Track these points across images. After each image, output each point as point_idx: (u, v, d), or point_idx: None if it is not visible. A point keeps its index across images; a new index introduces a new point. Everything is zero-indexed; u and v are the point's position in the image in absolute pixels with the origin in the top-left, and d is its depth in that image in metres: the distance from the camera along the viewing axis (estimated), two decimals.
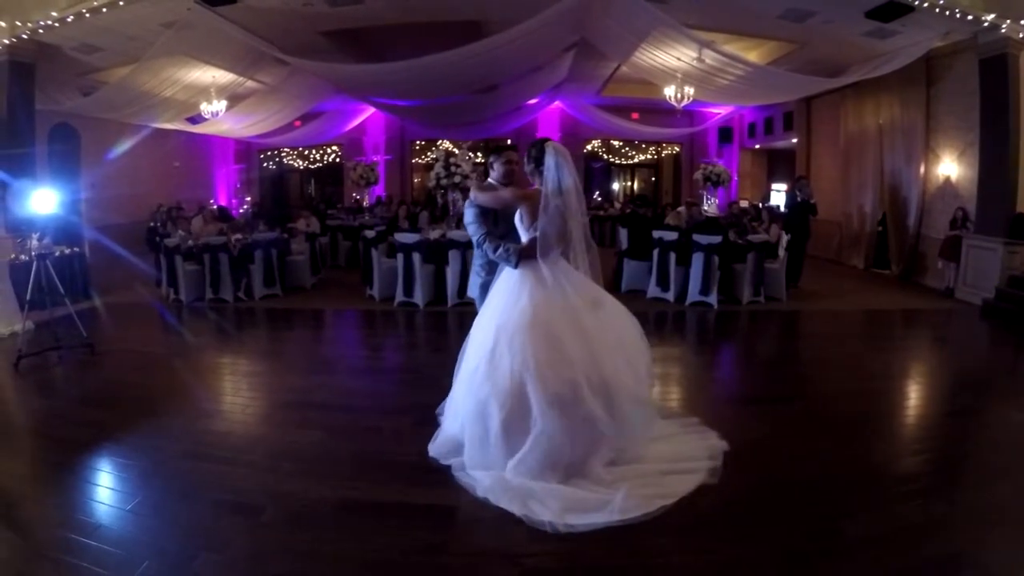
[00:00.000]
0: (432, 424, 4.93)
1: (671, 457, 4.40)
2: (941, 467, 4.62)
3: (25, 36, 10.30)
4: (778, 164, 20.87)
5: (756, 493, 4.14)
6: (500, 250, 4.48)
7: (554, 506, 3.78)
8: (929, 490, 4.24)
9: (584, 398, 4.06)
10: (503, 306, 4.40)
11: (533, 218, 4.34)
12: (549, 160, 4.29)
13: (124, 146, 15.55)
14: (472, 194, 4.82)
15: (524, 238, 4.43)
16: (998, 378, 7.22)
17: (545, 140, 4.47)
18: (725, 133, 21.57)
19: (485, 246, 4.63)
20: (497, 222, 4.68)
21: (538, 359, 4.07)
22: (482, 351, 4.35)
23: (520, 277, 4.38)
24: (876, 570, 3.39)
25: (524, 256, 4.37)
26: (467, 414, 4.42)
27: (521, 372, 4.09)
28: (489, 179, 4.95)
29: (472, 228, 4.74)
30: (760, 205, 16.61)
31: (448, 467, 4.42)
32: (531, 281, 4.32)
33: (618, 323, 4.52)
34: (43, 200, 7.48)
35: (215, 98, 13.73)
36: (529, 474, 4.01)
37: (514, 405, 4.10)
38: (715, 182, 16.23)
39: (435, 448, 4.68)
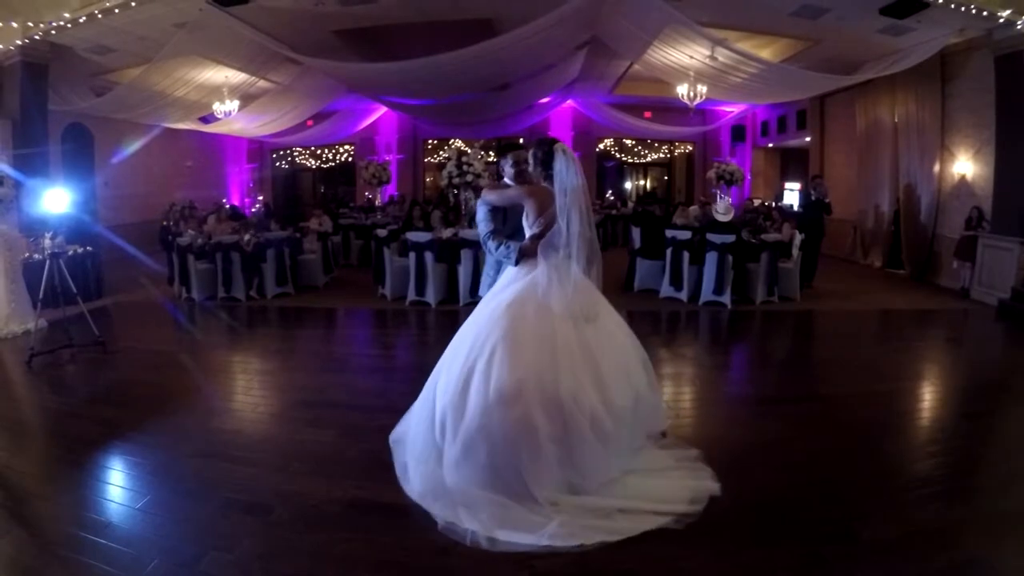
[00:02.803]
0: None
1: (641, 495, 3.94)
2: (956, 470, 4.56)
3: (38, 37, 10.37)
4: (791, 163, 20.76)
5: (769, 495, 4.10)
6: (502, 247, 4.49)
7: (485, 517, 3.67)
8: (944, 493, 4.18)
9: (527, 401, 3.86)
10: (489, 297, 4.42)
11: (537, 215, 4.32)
12: (559, 164, 4.23)
13: (134, 146, 15.62)
14: (483, 192, 4.82)
15: (528, 235, 4.41)
16: (1014, 380, 7.12)
17: (552, 141, 4.41)
18: (738, 132, 21.45)
19: (489, 243, 4.63)
20: (506, 220, 4.66)
21: (494, 350, 3.97)
22: (455, 337, 4.38)
23: (515, 275, 4.36)
24: (891, 575, 3.35)
25: (524, 254, 4.34)
26: (421, 396, 4.44)
27: (475, 360, 4.01)
28: (504, 179, 4.93)
29: (481, 226, 4.74)
30: (773, 204, 16.52)
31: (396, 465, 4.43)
32: (522, 278, 4.28)
33: (608, 347, 4.27)
34: (56, 199, 7.52)
35: (227, 98, 13.78)
36: (470, 481, 3.89)
37: (458, 393, 4.01)
38: (728, 181, 16.12)
39: (395, 434, 4.71)
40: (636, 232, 11.95)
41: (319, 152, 22.67)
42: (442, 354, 4.45)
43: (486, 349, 4.00)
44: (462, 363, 4.08)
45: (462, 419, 3.96)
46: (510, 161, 4.75)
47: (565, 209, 4.19)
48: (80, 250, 10.46)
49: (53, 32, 10.31)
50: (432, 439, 4.18)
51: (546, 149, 4.35)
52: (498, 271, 4.69)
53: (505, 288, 4.34)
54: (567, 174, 4.20)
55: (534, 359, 3.96)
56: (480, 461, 3.89)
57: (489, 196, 4.69)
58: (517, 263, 4.37)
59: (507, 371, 3.90)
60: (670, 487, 4.08)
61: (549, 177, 4.30)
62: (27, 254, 9.33)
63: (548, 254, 4.24)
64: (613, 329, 4.44)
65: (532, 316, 4.10)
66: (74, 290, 7.70)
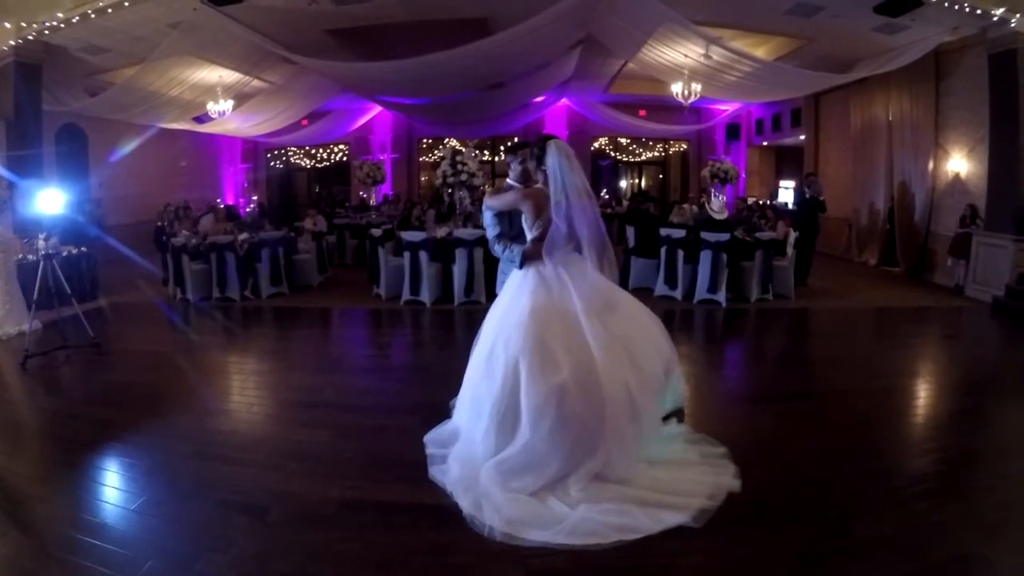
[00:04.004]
0: (438, 421, 4.91)
1: (663, 488, 3.96)
2: (952, 467, 4.56)
3: (31, 37, 10.32)
4: (786, 161, 20.79)
5: (765, 492, 4.10)
6: (507, 251, 4.50)
7: (506, 514, 3.72)
8: (940, 490, 4.20)
9: (570, 404, 3.93)
10: (505, 305, 4.42)
11: (535, 217, 4.33)
12: (551, 160, 4.22)
13: (129, 146, 15.56)
14: (485, 197, 4.85)
15: (529, 237, 4.41)
16: (1009, 376, 7.15)
17: (548, 138, 4.40)
18: (733, 130, 21.49)
19: (496, 247, 4.67)
20: (512, 223, 4.67)
21: (530, 361, 4.00)
22: (484, 348, 4.37)
23: (524, 277, 4.38)
24: (888, 571, 3.36)
25: (528, 257, 4.36)
26: (465, 408, 4.49)
27: (513, 373, 4.05)
28: (508, 179, 4.92)
29: (488, 231, 4.80)
30: (767, 202, 16.54)
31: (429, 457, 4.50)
32: (534, 282, 4.29)
33: (631, 330, 4.35)
34: (50, 200, 7.50)
35: (222, 97, 13.74)
36: (508, 474, 3.95)
37: (506, 406, 4.06)
38: (723, 179, 16.16)
39: (431, 435, 4.76)
40: (631, 231, 11.96)
41: (314, 152, 22.62)
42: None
43: (523, 363, 4.03)
44: (500, 382, 4.11)
45: (512, 428, 4.05)
46: (517, 159, 4.76)
47: (563, 206, 4.18)
48: (74, 251, 10.43)
49: (47, 32, 10.26)
50: (475, 442, 4.26)
51: (541, 146, 4.35)
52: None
53: (520, 295, 4.34)
54: (560, 170, 4.19)
55: (571, 360, 4.00)
56: (528, 466, 3.95)
57: (490, 201, 4.74)
58: (522, 266, 4.39)
59: (546, 379, 3.96)
60: (692, 481, 4.08)
61: (545, 174, 4.29)
62: (21, 255, 9.30)
63: (553, 254, 4.25)
64: (634, 311, 4.50)
65: (557, 319, 4.14)
66: (68, 291, 7.68)
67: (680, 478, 4.11)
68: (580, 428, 3.96)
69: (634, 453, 4.14)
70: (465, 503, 3.88)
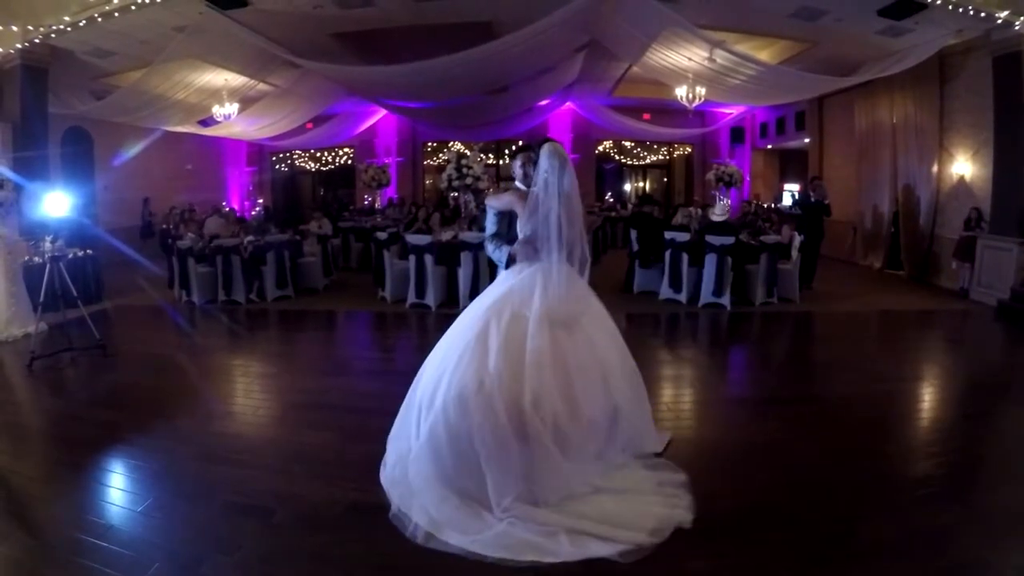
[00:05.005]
0: None
1: (600, 517, 3.69)
2: (956, 470, 4.56)
3: (38, 41, 10.40)
4: (790, 164, 20.76)
5: (769, 496, 4.11)
6: (496, 251, 4.53)
7: (433, 513, 3.70)
8: (944, 494, 4.18)
9: (487, 405, 3.84)
10: (476, 299, 4.47)
11: (527, 220, 4.32)
12: (542, 162, 4.22)
13: (134, 149, 15.62)
14: (487, 198, 4.90)
15: (519, 238, 4.42)
16: (1014, 380, 7.13)
17: (544, 140, 4.40)
18: (737, 133, 21.48)
19: (488, 245, 4.73)
20: (511, 225, 4.68)
21: (464, 352, 4.02)
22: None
23: (504, 277, 4.42)
24: (892, 575, 3.36)
25: (512, 258, 4.40)
26: (408, 392, 4.48)
27: (448, 361, 4.07)
28: (515, 181, 4.93)
29: (487, 228, 4.82)
30: (772, 205, 16.51)
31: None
32: (508, 282, 4.33)
33: (585, 356, 4.20)
34: (56, 203, 7.52)
35: (227, 101, 13.79)
36: (429, 475, 3.93)
37: (431, 391, 4.07)
38: (727, 183, 16.15)
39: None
40: (634, 234, 11.95)
41: (319, 155, 22.68)
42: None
43: (459, 351, 4.06)
44: (439, 362, 4.16)
45: (430, 416, 4.02)
46: (519, 162, 4.76)
47: (545, 210, 4.19)
48: (80, 253, 10.47)
49: (53, 36, 10.32)
50: (408, 431, 4.26)
51: (537, 149, 4.37)
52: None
53: (492, 289, 4.40)
54: (552, 174, 4.18)
55: (499, 364, 3.95)
56: (441, 458, 3.93)
57: (491, 200, 4.79)
58: (507, 266, 4.42)
59: (472, 374, 3.94)
60: (636, 513, 3.80)
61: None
62: (27, 257, 9.33)
63: (532, 258, 4.27)
64: (596, 338, 4.37)
65: (506, 321, 4.11)
66: (74, 293, 7.70)
67: (625, 509, 3.83)
68: (487, 433, 3.84)
69: (569, 479, 3.94)
70: (395, 498, 3.92)
